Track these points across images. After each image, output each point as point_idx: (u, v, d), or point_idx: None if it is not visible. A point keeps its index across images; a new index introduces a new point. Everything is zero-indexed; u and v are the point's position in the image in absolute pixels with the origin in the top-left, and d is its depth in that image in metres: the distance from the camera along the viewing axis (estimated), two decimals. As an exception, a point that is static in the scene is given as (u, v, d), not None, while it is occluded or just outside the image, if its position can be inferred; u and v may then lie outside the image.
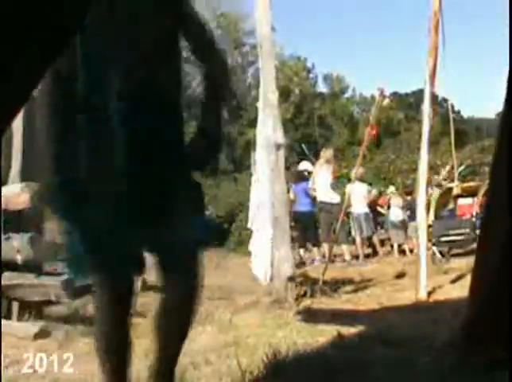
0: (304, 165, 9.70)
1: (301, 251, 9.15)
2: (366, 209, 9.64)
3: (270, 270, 4.67)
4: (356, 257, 9.05)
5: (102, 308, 1.69)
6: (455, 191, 8.92)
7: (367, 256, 9.44)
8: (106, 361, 1.76)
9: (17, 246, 3.47)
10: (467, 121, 32.22)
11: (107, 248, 1.50)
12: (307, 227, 9.01)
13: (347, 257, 8.73)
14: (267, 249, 4.70)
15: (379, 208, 10.91)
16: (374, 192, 10.86)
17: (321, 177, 8.57)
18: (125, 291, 1.68)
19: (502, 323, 1.94)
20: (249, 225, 5.15)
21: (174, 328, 1.70)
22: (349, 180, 9.36)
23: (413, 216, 7.68)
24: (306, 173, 9.28)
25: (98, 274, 1.61)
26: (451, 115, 6.97)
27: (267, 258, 4.69)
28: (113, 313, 1.69)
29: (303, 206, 8.99)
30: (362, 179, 9.39)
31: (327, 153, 8.95)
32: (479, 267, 2.23)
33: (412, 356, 2.41)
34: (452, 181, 9.58)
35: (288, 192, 7.16)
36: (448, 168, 9.79)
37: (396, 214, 9.93)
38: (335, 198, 8.49)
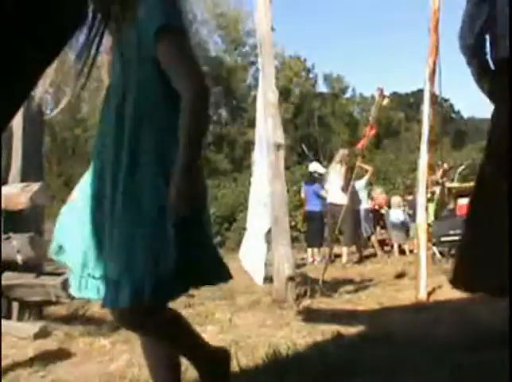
0: (314, 167, 9.65)
1: (309, 250, 9.24)
2: (366, 206, 9.64)
3: (264, 271, 4.68)
4: (356, 257, 9.05)
5: None
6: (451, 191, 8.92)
7: (367, 256, 9.44)
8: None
9: (17, 246, 3.46)
10: (467, 121, 32.23)
11: None
12: (316, 226, 9.15)
13: (347, 257, 8.72)
14: (263, 250, 4.70)
15: (377, 208, 10.90)
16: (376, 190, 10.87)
17: (333, 179, 8.45)
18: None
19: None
20: (247, 225, 5.14)
21: None
22: None
23: (414, 217, 7.66)
24: (316, 175, 9.27)
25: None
26: (448, 115, 6.97)
27: (262, 259, 4.69)
28: None
29: (314, 206, 9.26)
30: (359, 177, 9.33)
31: (339, 154, 8.72)
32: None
33: (412, 356, 2.41)
34: (452, 180, 9.59)
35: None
36: (446, 166, 9.77)
37: (396, 214, 9.91)
38: (343, 200, 8.45)
